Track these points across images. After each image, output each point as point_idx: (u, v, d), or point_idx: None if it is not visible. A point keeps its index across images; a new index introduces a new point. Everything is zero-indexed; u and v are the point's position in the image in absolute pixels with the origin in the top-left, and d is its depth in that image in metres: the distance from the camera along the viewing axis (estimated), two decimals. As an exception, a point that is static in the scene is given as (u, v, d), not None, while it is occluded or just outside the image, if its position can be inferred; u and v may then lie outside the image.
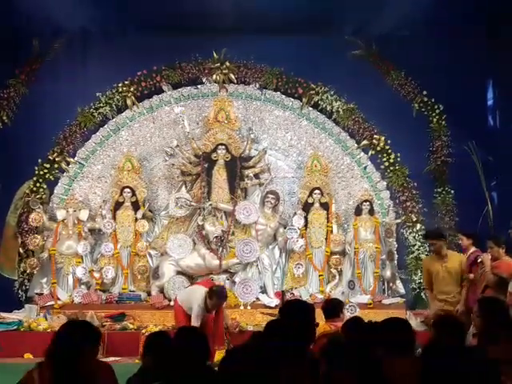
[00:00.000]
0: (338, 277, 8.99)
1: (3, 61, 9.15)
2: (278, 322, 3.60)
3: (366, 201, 9.14)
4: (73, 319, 4.35)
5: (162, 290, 8.75)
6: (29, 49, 9.50)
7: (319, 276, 9.00)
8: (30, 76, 9.61)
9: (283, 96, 9.73)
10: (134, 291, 8.95)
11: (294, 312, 3.71)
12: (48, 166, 9.26)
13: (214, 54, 9.60)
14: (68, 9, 8.63)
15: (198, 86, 9.76)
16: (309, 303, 4.13)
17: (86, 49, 9.47)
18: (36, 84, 9.59)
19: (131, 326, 7.98)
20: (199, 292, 6.84)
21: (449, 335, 3.50)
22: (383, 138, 9.50)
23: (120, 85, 9.51)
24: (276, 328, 3.41)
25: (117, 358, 7.27)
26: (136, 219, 9.12)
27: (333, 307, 5.18)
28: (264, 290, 8.80)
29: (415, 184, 9.44)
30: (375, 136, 9.53)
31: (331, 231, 9.12)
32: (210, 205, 9.12)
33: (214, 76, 9.64)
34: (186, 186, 9.40)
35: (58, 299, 8.63)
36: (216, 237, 8.83)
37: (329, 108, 9.66)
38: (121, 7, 8.80)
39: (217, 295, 6.76)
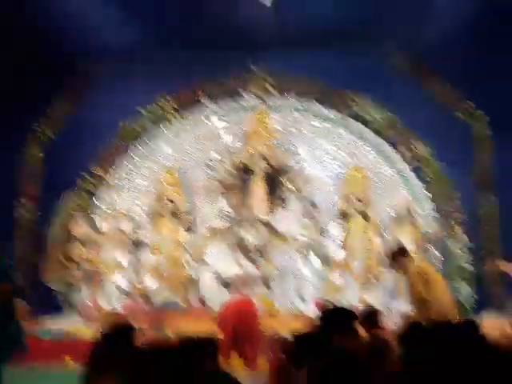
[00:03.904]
0: (378, 286, 8.81)
1: (49, 82, 9.42)
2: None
3: (406, 210, 8.97)
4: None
5: (201, 300, 8.78)
6: (73, 67, 9.80)
7: (358, 285, 8.84)
8: (75, 94, 9.95)
9: (322, 106, 9.75)
10: (174, 301, 9.00)
11: (335, 319, 3.58)
12: (91, 178, 9.53)
13: (253, 68, 9.72)
14: (109, 28, 8.90)
15: (237, 99, 9.90)
16: (350, 309, 3.94)
17: (126, 65, 9.64)
18: (80, 101, 9.90)
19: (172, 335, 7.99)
20: None
21: None
22: (426, 148, 9.34)
23: (161, 99, 9.75)
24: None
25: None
26: (177, 230, 9.23)
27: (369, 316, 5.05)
28: (302, 299, 8.70)
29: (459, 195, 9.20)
30: (417, 146, 9.38)
31: (371, 240, 8.98)
32: (250, 216, 9.14)
33: (253, 89, 9.75)
34: (225, 198, 9.47)
35: (101, 308, 8.78)
36: (256, 247, 8.83)
37: (369, 118, 9.60)
38: (160, 23, 9.02)
39: None
